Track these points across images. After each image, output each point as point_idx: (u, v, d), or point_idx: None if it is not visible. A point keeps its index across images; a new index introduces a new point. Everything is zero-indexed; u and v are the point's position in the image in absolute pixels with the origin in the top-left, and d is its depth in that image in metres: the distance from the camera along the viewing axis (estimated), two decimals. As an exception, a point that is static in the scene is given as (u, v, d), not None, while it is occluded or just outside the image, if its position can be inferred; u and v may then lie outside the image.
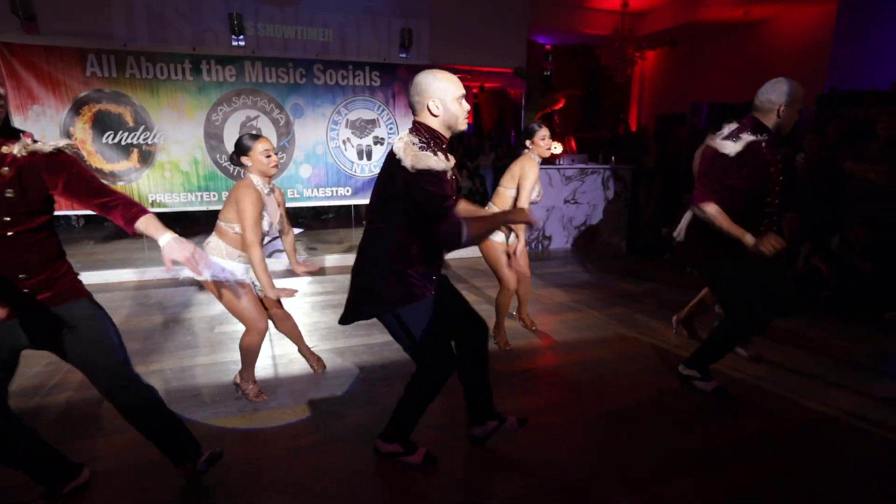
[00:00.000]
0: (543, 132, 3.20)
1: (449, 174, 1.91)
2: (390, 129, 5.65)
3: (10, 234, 1.63)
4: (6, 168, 1.58)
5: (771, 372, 3.12)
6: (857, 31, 7.35)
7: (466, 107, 1.95)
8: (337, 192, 5.62)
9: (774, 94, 2.48)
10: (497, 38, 5.90)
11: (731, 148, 2.45)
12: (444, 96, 1.91)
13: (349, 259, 5.60)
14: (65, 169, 1.70)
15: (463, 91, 1.94)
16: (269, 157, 2.52)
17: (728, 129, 2.55)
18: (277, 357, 3.28)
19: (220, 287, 2.53)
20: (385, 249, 1.98)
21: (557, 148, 6.74)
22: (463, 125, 1.98)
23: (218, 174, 5.17)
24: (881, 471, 2.25)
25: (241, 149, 2.55)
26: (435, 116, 1.93)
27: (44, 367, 3.11)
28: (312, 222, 7.47)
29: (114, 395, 1.88)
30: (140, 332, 3.64)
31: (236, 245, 2.56)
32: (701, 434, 2.49)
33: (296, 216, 7.60)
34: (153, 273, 5.03)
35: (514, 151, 8.59)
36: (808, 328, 3.84)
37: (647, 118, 10.85)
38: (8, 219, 1.61)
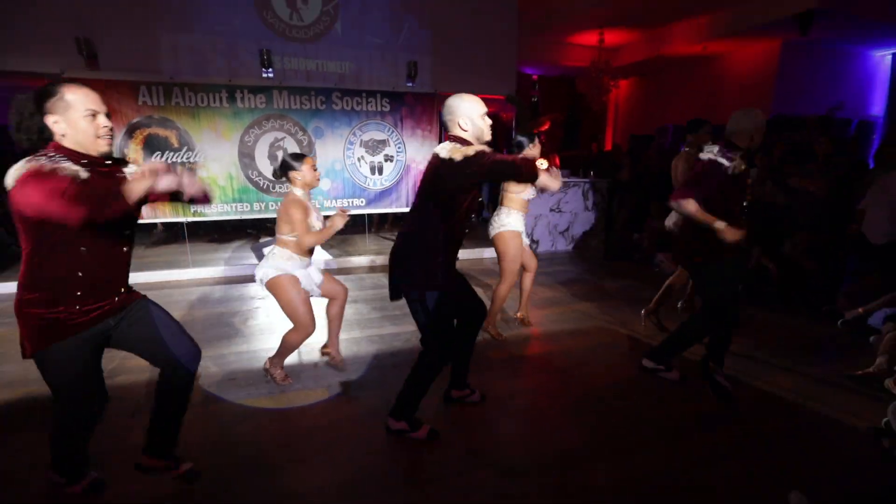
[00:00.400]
0: (534, 150, 3.21)
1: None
2: (398, 147, 5.67)
3: (125, 249, 1.69)
4: None
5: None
6: (798, 65, 7.42)
7: (488, 121, 2.03)
8: (353, 202, 5.63)
9: (750, 122, 2.49)
10: (490, 69, 5.91)
11: (728, 164, 2.44)
12: (472, 114, 2.00)
13: (362, 261, 5.61)
14: None
15: (485, 109, 2.03)
16: (316, 170, 2.64)
17: (716, 147, 2.52)
18: (301, 346, 3.28)
19: (281, 289, 2.55)
20: (422, 242, 2.04)
21: (543, 164, 6.74)
22: (488, 136, 2.06)
23: (250, 188, 5.19)
24: (808, 439, 2.26)
25: (289, 165, 2.60)
26: (465, 131, 2.01)
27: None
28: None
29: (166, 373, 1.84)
30: (186, 325, 3.65)
31: (295, 250, 2.59)
32: (667, 411, 2.50)
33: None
34: (195, 273, 5.05)
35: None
36: (756, 318, 3.85)
37: (622, 138, 10.86)
38: (128, 232, 1.69)
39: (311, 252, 2.70)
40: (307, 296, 2.65)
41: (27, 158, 1.45)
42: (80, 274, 1.57)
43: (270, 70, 5.06)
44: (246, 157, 5.11)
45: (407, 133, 5.63)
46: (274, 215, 5.50)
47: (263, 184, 5.22)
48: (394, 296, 2.16)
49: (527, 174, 1.94)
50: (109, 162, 1.63)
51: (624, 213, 6.37)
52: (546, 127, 9.14)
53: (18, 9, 4.25)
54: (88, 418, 1.76)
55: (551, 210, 6.40)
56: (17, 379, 2.78)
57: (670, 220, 3.82)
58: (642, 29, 8.17)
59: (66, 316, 1.57)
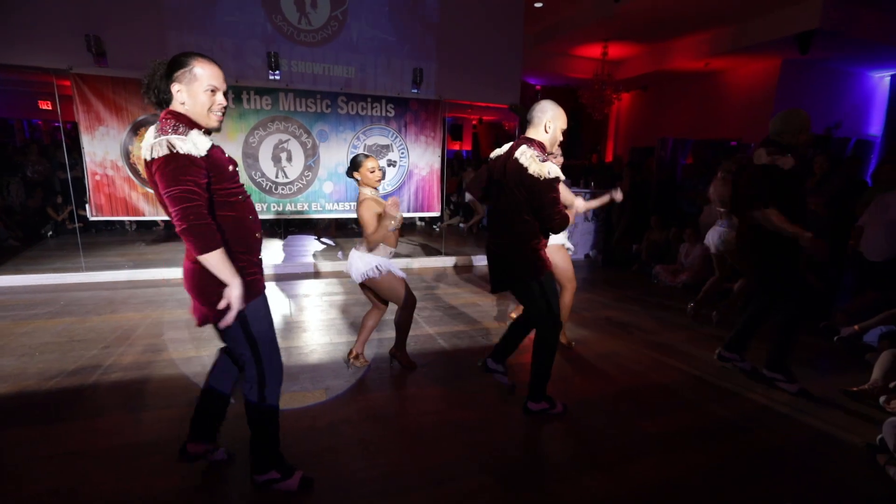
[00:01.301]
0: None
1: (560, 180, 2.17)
2: (402, 153, 5.70)
3: None
4: None
5: (722, 369, 3.13)
6: (798, 83, 7.51)
7: (562, 134, 2.23)
8: (354, 206, 5.64)
9: (795, 120, 2.67)
10: (495, 78, 5.96)
11: (784, 163, 2.58)
12: (558, 122, 2.17)
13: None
14: None
15: (565, 123, 2.22)
16: (373, 172, 2.68)
17: (764, 151, 2.66)
18: (300, 347, 3.29)
19: (377, 282, 2.71)
20: (521, 235, 2.24)
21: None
22: (558, 140, 2.23)
23: (252, 188, 5.20)
24: (802, 454, 2.26)
25: (354, 165, 2.71)
26: (546, 133, 2.17)
27: (100, 349, 3.13)
28: (337, 232, 7.47)
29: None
30: (182, 322, 3.65)
31: (375, 245, 2.71)
32: (664, 421, 2.51)
33: (321, 227, 7.63)
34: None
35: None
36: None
37: (622, 150, 10.94)
38: None
39: (394, 243, 2.79)
40: (399, 277, 2.77)
41: (156, 131, 1.53)
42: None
43: (277, 72, 5.09)
44: (250, 157, 5.13)
45: (410, 139, 5.66)
46: (272, 216, 5.52)
47: (266, 185, 5.23)
48: (498, 288, 2.50)
49: (557, 228, 2.18)
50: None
51: (623, 224, 6.40)
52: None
53: (28, 3, 4.27)
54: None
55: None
56: (14, 373, 2.77)
57: (713, 239, 3.92)
58: (645, 43, 8.26)
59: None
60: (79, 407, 2.42)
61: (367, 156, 2.71)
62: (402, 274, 2.80)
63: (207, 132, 1.64)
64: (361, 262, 2.71)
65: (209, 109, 1.61)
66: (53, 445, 2.13)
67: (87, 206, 4.77)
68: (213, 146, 1.59)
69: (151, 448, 2.13)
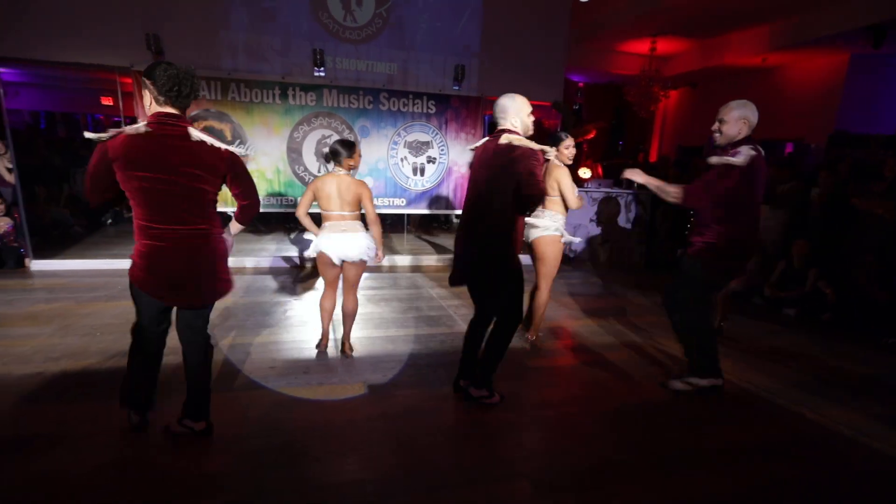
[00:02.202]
0: (568, 141, 3.23)
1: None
2: (442, 150, 5.71)
3: None
4: None
5: (774, 383, 2.97)
6: (866, 80, 6.98)
7: (532, 118, 2.36)
8: (393, 202, 5.71)
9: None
10: (537, 75, 5.86)
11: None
12: (521, 114, 2.33)
13: (399, 261, 5.67)
14: None
15: (531, 108, 2.35)
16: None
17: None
18: (338, 341, 3.35)
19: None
20: (502, 227, 2.27)
21: (586, 173, 6.63)
22: (531, 131, 2.35)
23: (295, 182, 5.34)
24: (862, 477, 2.11)
25: (351, 150, 2.90)
26: (517, 126, 2.33)
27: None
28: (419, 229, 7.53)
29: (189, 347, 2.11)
30: (224, 310, 3.80)
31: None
32: (701, 435, 2.40)
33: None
34: (237, 262, 5.24)
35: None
36: (810, 346, 3.64)
37: (668, 149, 10.54)
38: None
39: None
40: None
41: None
42: None
43: (322, 69, 5.20)
44: (294, 152, 5.27)
45: (451, 136, 5.66)
46: (316, 210, 5.65)
47: (308, 179, 5.37)
48: (459, 281, 2.47)
49: (535, 199, 2.20)
50: None
51: (667, 226, 6.17)
52: (592, 135, 8.98)
53: (91, 3, 4.54)
54: None
55: (591, 220, 6.29)
56: (79, 351, 2.96)
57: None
58: (697, 38, 7.91)
59: None
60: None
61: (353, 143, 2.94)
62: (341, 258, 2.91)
63: None
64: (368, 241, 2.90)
65: None
66: (113, 421, 2.26)
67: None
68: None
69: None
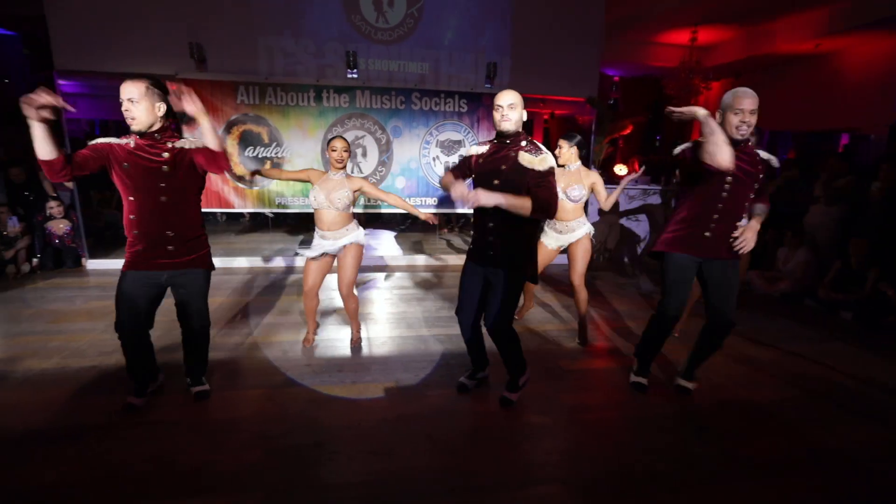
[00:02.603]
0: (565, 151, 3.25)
1: None
2: (473, 149, 5.67)
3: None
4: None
5: (831, 391, 2.78)
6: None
7: (497, 118, 2.19)
8: (425, 201, 5.72)
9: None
10: (571, 71, 5.73)
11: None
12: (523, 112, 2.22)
13: (431, 260, 5.68)
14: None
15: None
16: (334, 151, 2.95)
17: None
18: (371, 339, 3.39)
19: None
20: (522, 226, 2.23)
21: (622, 170, 6.44)
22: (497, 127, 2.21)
23: (330, 183, 5.43)
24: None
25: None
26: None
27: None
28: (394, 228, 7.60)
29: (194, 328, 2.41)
30: (264, 308, 3.91)
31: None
32: (759, 445, 2.27)
33: (393, 221, 7.83)
34: (277, 261, 5.40)
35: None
36: (869, 352, 3.39)
37: (709, 143, 10.09)
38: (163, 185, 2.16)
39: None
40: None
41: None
42: None
43: (355, 71, 5.26)
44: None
45: (483, 134, 5.62)
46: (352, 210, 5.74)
47: (342, 180, 5.46)
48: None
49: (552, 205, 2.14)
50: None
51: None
52: (628, 131, 8.73)
53: (138, 16, 4.78)
54: None
55: (628, 218, 6.10)
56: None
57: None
58: (742, 25, 7.53)
59: None
60: (179, 381, 2.67)
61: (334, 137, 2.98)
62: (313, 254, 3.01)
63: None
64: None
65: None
66: (157, 414, 2.37)
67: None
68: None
69: (239, 424, 2.29)
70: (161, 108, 2.14)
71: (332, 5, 5.16)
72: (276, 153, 5.24)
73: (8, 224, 4.75)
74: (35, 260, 4.93)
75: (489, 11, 5.47)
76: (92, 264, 5.16)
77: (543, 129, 12.98)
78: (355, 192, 2.97)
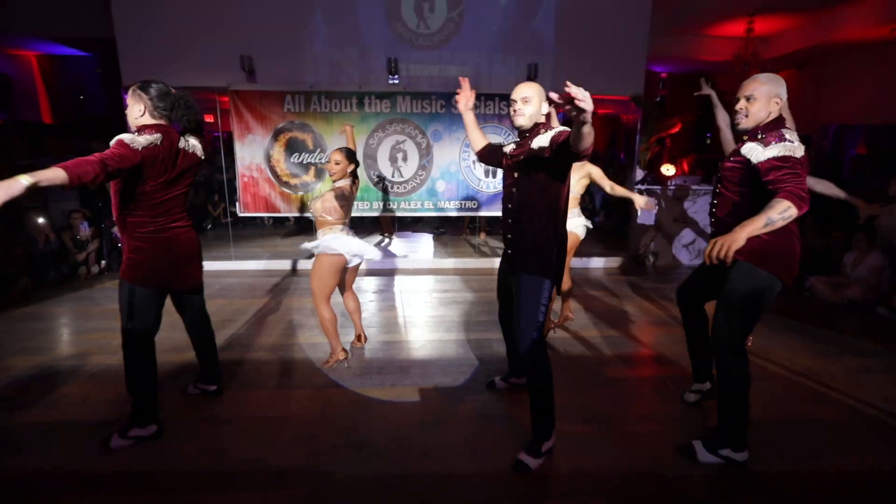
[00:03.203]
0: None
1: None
2: (513, 151, 5.62)
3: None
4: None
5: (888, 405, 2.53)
6: None
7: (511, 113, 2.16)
8: (465, 204, 5.72)
9: None
10: (616, 69, 5.56)
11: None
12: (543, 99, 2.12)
13: (470, 263, 5.68)
14: None
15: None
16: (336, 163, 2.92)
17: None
18: (410, 342, 3.42)
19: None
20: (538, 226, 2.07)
21: (670, 170, 6.19)
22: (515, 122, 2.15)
23: (371, 188, 5.55)
24: None
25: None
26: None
27: (244, 329, 3.59)
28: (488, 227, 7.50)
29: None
30: (307, 310, 4.03)
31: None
32: (807, 467, 2.10)
33: (430, 224, 7.89)
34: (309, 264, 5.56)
35: (624, 171, 8.05)
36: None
37: (766, 140, 9.49)
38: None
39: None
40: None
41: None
42: None
43: (396, 77, 5.35)
44: (369, 158, 5.48)
45: (522, 136, 5.56)
46: (390, 213, 5.84)
47: (383, 183, 5.56)
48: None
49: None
50: None
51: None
52: (677, 129, 8.37)
53: (195, 34, 5.09)
54: None
55: (675, 220, 5.84)
56: (181, 345, 3.30)
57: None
58: (806, 12, 7.03)
59: None
60: (228, 379, 2.80)
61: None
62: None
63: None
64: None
65: None
66: (209, 410, 2.49)
67: (237, 203, 5.53)
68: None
69: (286, 422, 2.38)
70: (140, 110, 2.10)
71: (375, 13, 5.28)
72: (319, 159, 5.41)
73: (80, 229, 5.17)
74: (103, 262, 5.33)
75: (530, 12, 5.41)
76: (152, 266, 5.51)
77: (586, 129, 12.67)
78: (331, 193, 2.88)
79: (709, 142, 9.93)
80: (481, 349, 3.28)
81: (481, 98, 5.42)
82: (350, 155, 2.97)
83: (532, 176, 2.05)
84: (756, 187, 1.91)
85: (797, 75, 8.94)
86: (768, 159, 1.83)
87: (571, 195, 3.17)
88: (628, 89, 5.63)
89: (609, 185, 3.41)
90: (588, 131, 1.62)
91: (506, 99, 5.44)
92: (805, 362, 3.10)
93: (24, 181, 1.54)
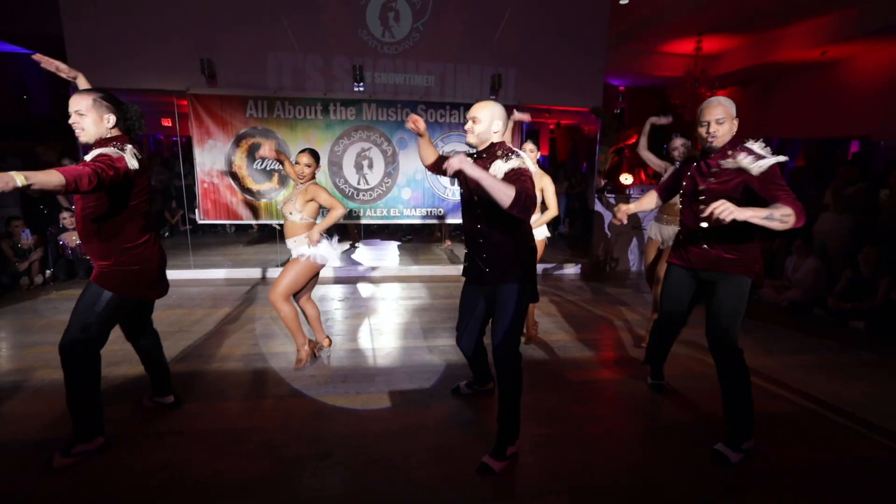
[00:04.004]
0: (530, 145, 3.31)
1: None
2: (478, 160, 5.71)
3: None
4: None
5: (844, 402, 2.73)
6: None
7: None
8: (431, 212, 5.76)
9: None
10: (576, 82, 5.78)
11: None
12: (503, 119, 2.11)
13: (438, 270, 5.70)
14: None
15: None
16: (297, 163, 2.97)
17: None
18: (376, 350, 3.40)
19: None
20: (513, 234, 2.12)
21: (628, 179, 6.45)
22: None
23: (336, 194, 5.50)
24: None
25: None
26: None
27: (203, 340, 3.47)
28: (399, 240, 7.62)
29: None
30: (270, 319, 3.94)
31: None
32: (762, 460, 2.24)
33: (398, 232, 7.88)
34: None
35: (585, 181, 8.32)
36: (883, 361, 3.34)
37: (716, 152, 10.06)
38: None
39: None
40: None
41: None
42: None
43: (361, 84, 5.35)
44: (334, 165, 5.44)
45: (487, 145, 5.66)
46: (355, 221, 5.80)
47: (349, 191, 5.52)
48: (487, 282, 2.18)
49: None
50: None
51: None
52: (633, 140, 8.75)
53: (151, 34, 4.91)
54: None
55: (634, 227, 6.09)
56: (136, 357, 3.16)
57: None
58: (747, 34, 7.55)
59: None
60: (188, 391, 2.70)
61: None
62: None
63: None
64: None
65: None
66: (165, 424, 2.39)
67: (196, 210, 5.35)
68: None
69: (249, 434, 2.31)
70: (110, 120, 2.05)
71: (340, 21, 5.27)
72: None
73: (22, 237, 4.86)
74: (48, 272, 5.03)
75: (493, 24, 5.55)
76: (103, 276, 5.24)
77: (550, 139, 13.05)
78: (308, 201, 2.92)
79: (665, 152, 10.39)
80: (447, 355, 3.30)
81: (446, 107, 5.50)
82: (317, 157, 3.00)
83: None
84: (747, 196, 2.09)
85: (742, 92, 9.56)
86: (771, 166, 2.01)
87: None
88: (588, 101, 5.85)
89: (555, 203, 3.36)
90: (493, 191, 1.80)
91: (470, 108, 5.54)
92: (754, 361, 3.29)
93: (17, 181, 1.49)
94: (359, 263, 5.86)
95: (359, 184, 5.54)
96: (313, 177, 2.99)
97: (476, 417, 2.54)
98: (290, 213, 2.95)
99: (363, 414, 2.55)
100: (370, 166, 5.51)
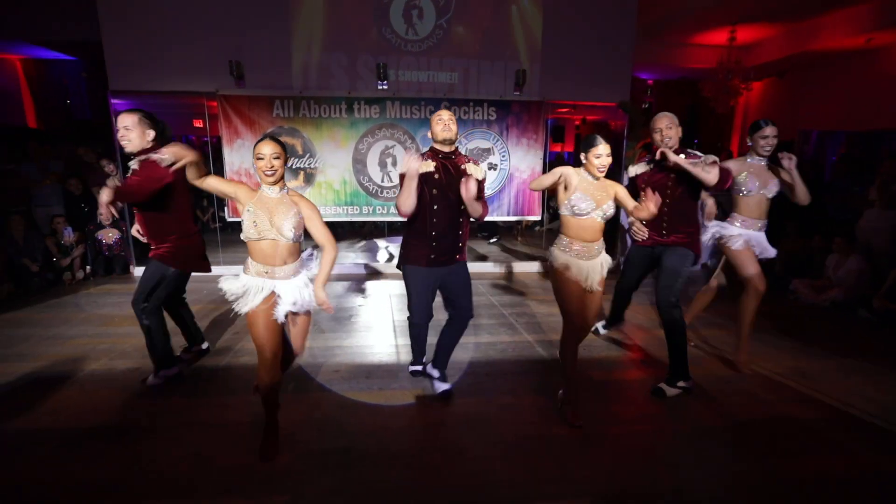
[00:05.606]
0: (600, 149, 2.38)
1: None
2: (503, 156, 5.66)
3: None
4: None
5: (878, 408, 2.58)
6: None
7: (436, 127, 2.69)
8: (454, 209, 5.73)
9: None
10: (602, 76, 5.65)
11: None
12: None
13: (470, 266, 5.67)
14: None
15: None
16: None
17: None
18: (400, 346, 3.41)
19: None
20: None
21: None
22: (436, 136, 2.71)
23: (360, 192, 5.55)
24: None
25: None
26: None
27: (232, 335, 3.56)
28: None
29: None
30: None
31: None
32: (805, 464, 2.13)
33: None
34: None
35: (613, 176, 8.13)
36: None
37: (750, 146, 9.67)
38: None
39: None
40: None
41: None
42: None
43: (385, 82, 5.37)
44: (359, 163, 5.48)
45: (512, 142, 5.60)
46: (380, 218, 5.84)
47: (373, 188, 5.56)
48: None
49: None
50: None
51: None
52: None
53: (183, 39, 5.07)
54: None
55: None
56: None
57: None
58: (784, 23, 7.21)
59: None
60: (215, 384, 2.77)
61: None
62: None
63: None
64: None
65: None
66: (195, 415, 2.46)
67: (225, 208, 5.49)
68: None
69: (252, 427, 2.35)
70: (150, 135, 2.56)
71: (365, 21, 5.30)
72: (309, 164, 5.40)
73: (64, 234, 5.09)
74: (87, 268, 5.25)
75: (518, 18, 5.48)
76: (139, 272, 5.45)
77: (575, 135, 12.82)
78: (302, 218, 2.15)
79: (696, 147, 10.07)
80: (469, 353, 3.28)
81: (470, 103, 5.46)
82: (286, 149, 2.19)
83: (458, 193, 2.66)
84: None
85: (778, 82, 9.15)
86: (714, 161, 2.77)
87: None
88: (615, 96, 5.71)
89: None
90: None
91: (494, 104, 5.49)
92: (790, 363, 3.15)
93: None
94: (383, 260, 5.90)
95: (383, 181, 5.57)
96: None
97: (497, 416, 2.51)
98: (283, 232, 2.10)
99: (385, 410, 2.56)
100: (394, 164, 5.53)
